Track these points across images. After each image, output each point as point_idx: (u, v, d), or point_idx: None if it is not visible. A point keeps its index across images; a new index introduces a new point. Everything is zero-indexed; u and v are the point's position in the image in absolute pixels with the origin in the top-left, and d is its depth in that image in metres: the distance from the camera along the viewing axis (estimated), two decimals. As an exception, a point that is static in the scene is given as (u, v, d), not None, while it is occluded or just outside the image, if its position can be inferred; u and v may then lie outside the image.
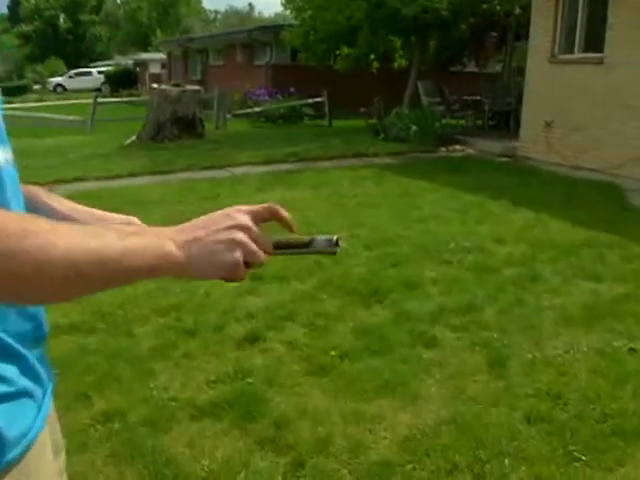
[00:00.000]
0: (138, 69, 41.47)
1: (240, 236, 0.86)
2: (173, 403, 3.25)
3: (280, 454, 2.86)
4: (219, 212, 0.89)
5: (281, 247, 0.95)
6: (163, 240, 0.82)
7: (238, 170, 10.38)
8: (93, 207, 1.14)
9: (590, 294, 4.91)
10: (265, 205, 0.92)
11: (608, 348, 4.02)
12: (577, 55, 10.72)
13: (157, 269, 0.81)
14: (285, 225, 0.94)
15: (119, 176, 9.81)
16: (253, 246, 0.87)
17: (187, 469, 2.73)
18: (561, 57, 10.95)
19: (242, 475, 2.71)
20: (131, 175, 9.95)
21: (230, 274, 0.87)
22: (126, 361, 3.73)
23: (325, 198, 8.10)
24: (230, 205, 0.90)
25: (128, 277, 0.80)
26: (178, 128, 13.52)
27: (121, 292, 4.56)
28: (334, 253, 0.97)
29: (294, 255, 1.00)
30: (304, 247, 0.97)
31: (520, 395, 3.45)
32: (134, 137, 13.56)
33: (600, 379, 3.64)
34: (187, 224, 0.87)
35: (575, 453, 2.93)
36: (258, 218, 0.90)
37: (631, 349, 4.03)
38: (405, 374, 3.61)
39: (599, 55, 10.07)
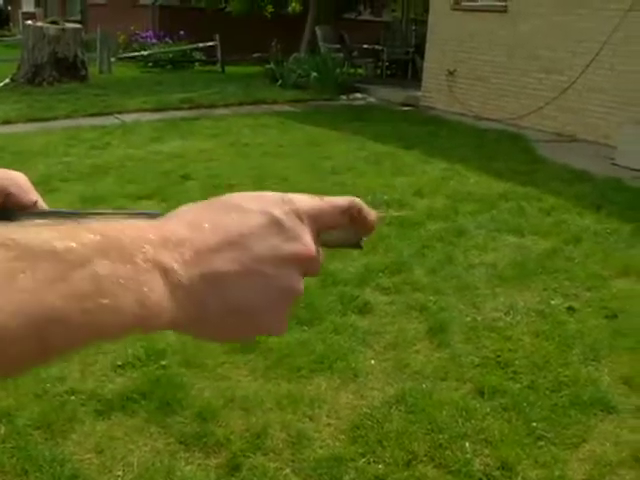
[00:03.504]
0: (10, 7, 38.15)
1: (301, 287, 0.46)
2: (72, 397, 2.67)
3: (209, 454, 2.40)
4: (262, 206, 0.45)
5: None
6: (145, 276, 0.37)
7: (128, 117, 9.54)
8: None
9: (517, 249, 4.70)
10: (342, 203, 0.50)
11: (547, 308, 3.80)
12: (481, 2, 10.47)
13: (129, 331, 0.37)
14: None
15: (-8, 123, 8.76)
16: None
17: (96, 483, 2.21)
18: (464, 4, 10.67)
19: (166, 485, 2.23)
20: (6, 122, 8.91)
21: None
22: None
23: (227, 148, 7.49)
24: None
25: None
26: (58, 71, 12.29)
27: None
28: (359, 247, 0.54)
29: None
30: None
31: (467, 365, 3.15)
32: (7, 80, 12.23)
33: (545, 343, 3.41)
34: (200, 220, 0.43)
35: (538, 431, 2.66)
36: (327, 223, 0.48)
37: (569, 308, 3.83)
38: (340, 347, 3.22)
39: (502, 3, 9.86)
